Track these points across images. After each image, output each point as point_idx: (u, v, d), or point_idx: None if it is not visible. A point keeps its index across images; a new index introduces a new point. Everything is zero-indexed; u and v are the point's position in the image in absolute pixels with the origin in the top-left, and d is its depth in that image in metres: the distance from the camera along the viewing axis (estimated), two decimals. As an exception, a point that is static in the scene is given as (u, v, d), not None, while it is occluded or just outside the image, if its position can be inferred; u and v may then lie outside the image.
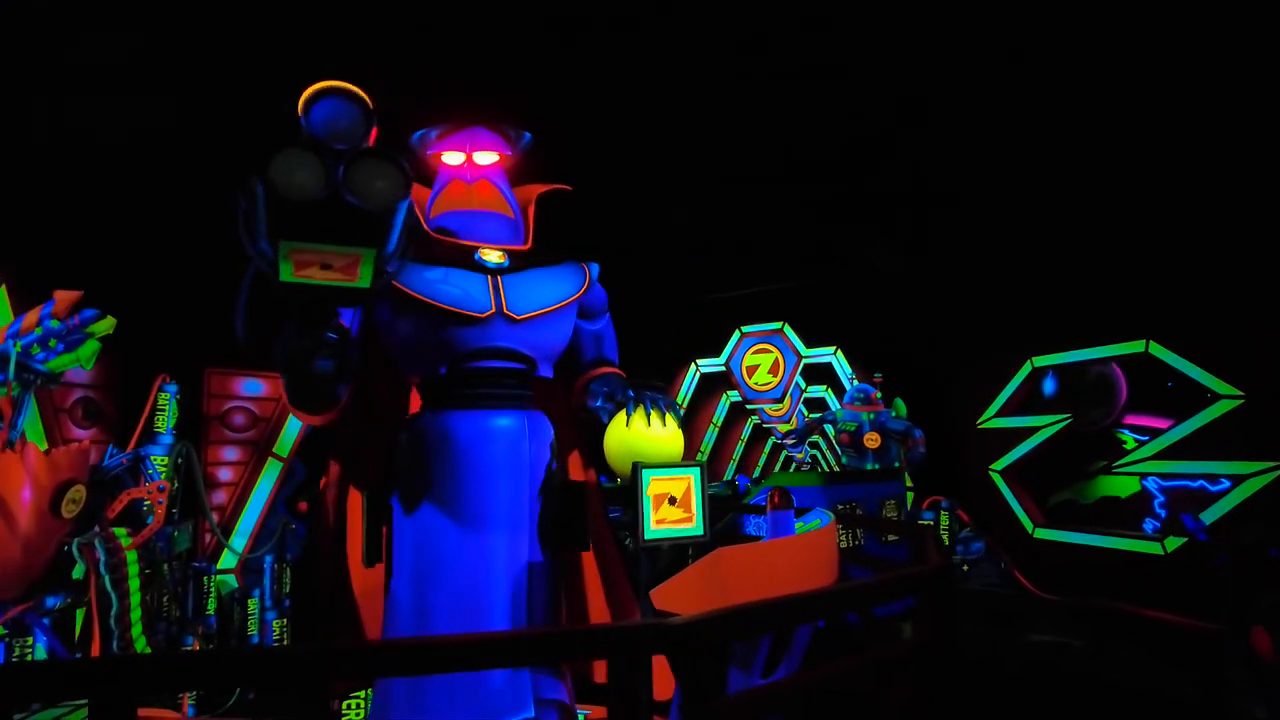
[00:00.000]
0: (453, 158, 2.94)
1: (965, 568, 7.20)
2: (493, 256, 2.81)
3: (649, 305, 12.26)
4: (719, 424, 12.28)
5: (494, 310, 2.69)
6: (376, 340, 2.74)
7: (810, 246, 10.51)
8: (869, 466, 9.25)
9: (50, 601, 4.68)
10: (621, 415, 2.72)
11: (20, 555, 4.21)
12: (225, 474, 8.04)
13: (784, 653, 2.62)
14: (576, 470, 3.19)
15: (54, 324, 4.87)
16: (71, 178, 5.87)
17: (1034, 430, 8.05)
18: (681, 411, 2.85)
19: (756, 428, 11.95)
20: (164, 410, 6.50)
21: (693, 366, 12.51)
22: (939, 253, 9.26)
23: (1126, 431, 7.76)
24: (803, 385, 11.34)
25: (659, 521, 2.54)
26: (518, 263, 2.87)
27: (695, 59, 7.99)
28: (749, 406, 11.90)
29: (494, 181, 2.98)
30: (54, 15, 5.23)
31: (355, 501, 2.81)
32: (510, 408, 2.76)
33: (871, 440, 9.20)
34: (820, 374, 11.19)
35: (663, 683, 2.51)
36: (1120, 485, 7.60)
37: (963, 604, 6.97)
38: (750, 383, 11.77)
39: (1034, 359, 8.31)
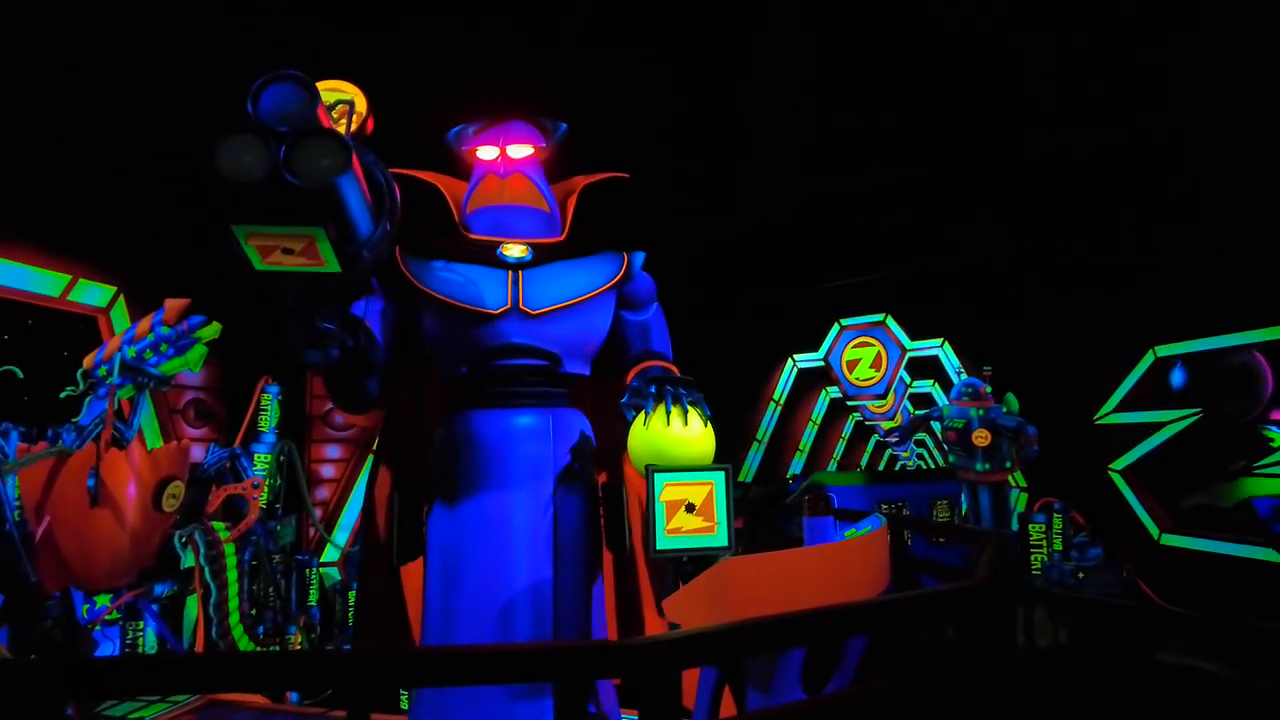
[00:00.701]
0: (487, 152, 2.91)
1: (1080, 575, 6.62)
2: (514, 251, 2.76)
3: (743, 298, 12.04)
4: (818, 422, 11.89)
5: (509, 306, 2.64)
6: (420, 341, 2.75)
7: (914, 232, 10.00)
8: (978, 467, 8.70)
9: (159, 589, 4.99)
10: (656, 416, 2.54)
11: (128, 545, 4.49)
12: (328, 471, 8.45)
13: (835, 666, 2.43)
14: (631, 471, 3.08)
15: (164, 330, 5.16)
16: (178, 191, 6.26)
17: (1159, 426, 7.33)
18: (709, 409, 2.58)
19: (858, 426, 11.49)
20: (266, 410, 6.85)
21: (790, 362, 12.18)
22: (1051, 235, 8.58)
23: (1274, 428, 6.94)
24: (907, 380, 10.81)
25: (674, 530, 2.34)
26: (545, 256, 2.80)
27: (783, 35, 7.73)
28: (850, 403, 11.46)
29: (528, 175, 2.92)
30: (178, 33, 5.55)
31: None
32: (533, 406, 2.70)
33: (981, 438, 8.65)
34: (926, 368, 10.63)
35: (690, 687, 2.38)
36: (1265, 487, 6.81)
37: (1077, 616, 6.42)
38: (851, 378, 11.33)
39: (1157, 348, 7.60)
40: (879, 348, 11.07)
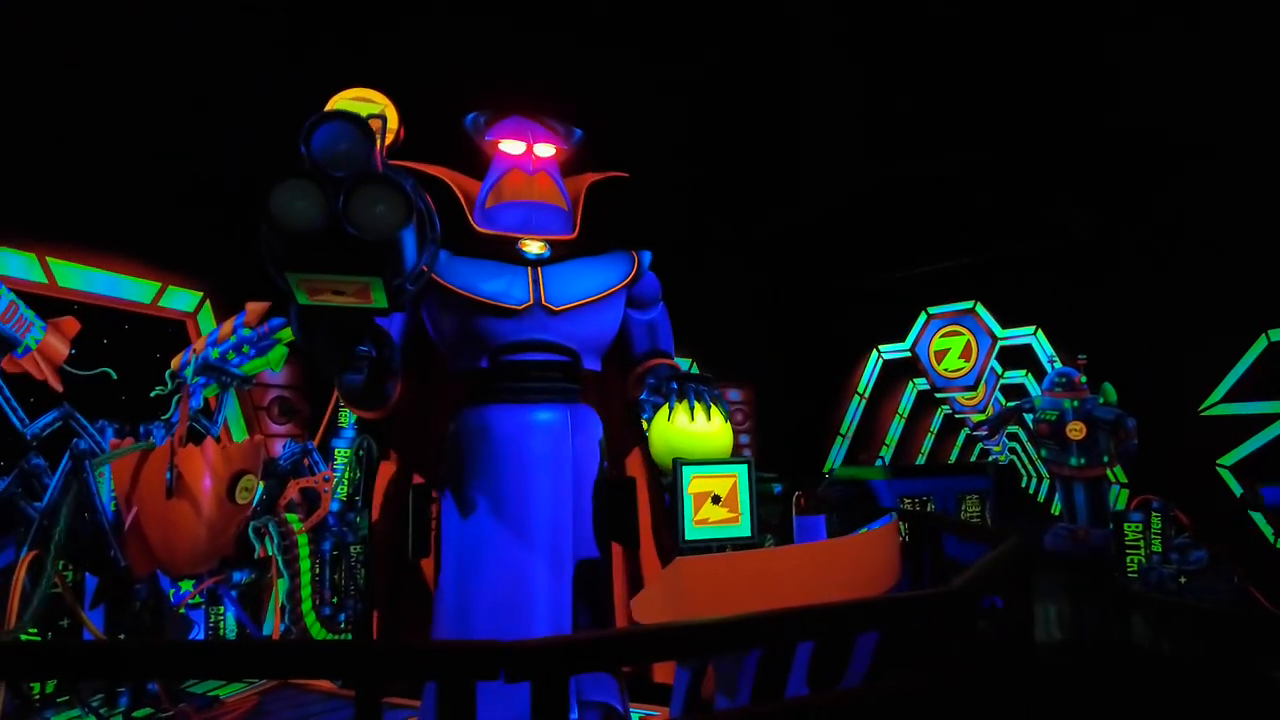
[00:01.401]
0: (512, 146, 2.93)
1: (1183, 580, 6.12)
2: (533, 247, 2.77)
3: (824, 287, 11.74)
4: (905, 415, 11.46)
5: (532, 302, 2.66)
6: (427, 335, 2.79)
7: (1002, 214, 9.48)
8: (1073, 462, 8.19)
9: (237, 576, 5.30)
10: (665, 410, 2.59)
11: (205, 535, 4.79)
12: (409, 465, 8.75)
13: (845, 664, 2.33)
14: (636, 466, 3.07)
15: (246, 332, 5.46)
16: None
17: (1274, 418, 6.66)
18: (728, 405, 2.66)
19: (948, 419, 11.00)
20: (346, 407, 7.17)
21: (875, 353, 11.79)
22: (1151, 214, 7.95)
23: None
24: (999, 371, 10.27)
25: (701, 521, 2.40)
26: (561, 253, 2.82)
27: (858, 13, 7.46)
28: (938, 396, 10.99)
29: (551, 174, 2.95)
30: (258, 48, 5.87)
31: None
32: (552, 401, 2.71)
33: (1075, 431, 8.14)
34: (1018, 357, 10.07)
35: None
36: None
37: (1179, 623, 5.95)
38: (939, 369, 10.87)
39: (1269, 332, 6.91)
40: (968, 336, 10.56)
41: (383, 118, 2.03)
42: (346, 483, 6.52)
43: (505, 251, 2.77)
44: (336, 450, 6.83)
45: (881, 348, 11.70)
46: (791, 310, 11.95)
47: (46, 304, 5.03)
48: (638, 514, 2.70)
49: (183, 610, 4.97)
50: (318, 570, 5.63)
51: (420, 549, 2.70)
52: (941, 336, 10.85)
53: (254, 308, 5.41)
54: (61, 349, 4.79)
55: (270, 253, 1.56)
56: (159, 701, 4.33)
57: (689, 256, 10.74)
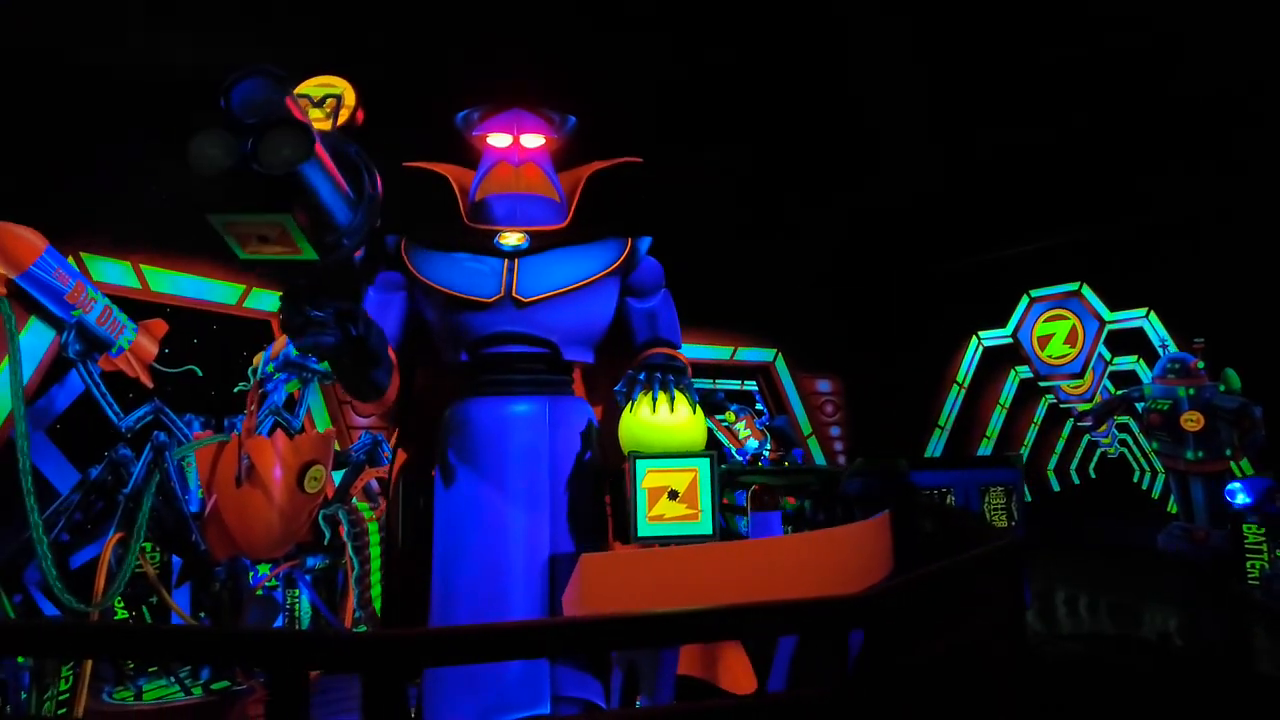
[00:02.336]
0: (499, 140, 2.93)
1: (1309, 589, 5.51)
2: (511, 239, 2.75)
3: (919, 272, 11.22)
4: (1007, 405, 10.82)
5: (502, 294, 2.64)
6: (427, 330, 2.83)
7: (1111, 186, 8.77)
8: (1189, 455, 7.52)
9: (311, 561, 5.59)
10: (641, 402, 2.47)
11: (278, 522, 5.07)
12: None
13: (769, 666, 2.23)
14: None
15: (325, 330, 5.69)
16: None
17: None
18: (697, 395, 2.50)
19: (1052, 409, 10.31)
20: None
21: (974, 340, 11.18)
22: (1278, 183, 7.14)
23: None
24: (1107, 357, 9.53)
25: (656, 518, 2.31)
26: (545, 243, 2.79)
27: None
28: (1042, 384, 10.31)
29: (540, 165, 2.92)
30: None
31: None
32: (529, 394, 2.68)
33: (1191, 421, 7.47)
34: (1129, 342, 9.30)
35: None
36: None
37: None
38: (1043, 356, 10.19)
39: None
40: (1074, 321, 9.85)
41: (339, 97, 2.09)
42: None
43: (484, 244, 2.77)
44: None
45: (981, 334, 11.08)
46: (884, 297, 11.49)
47: (140, 307, 5.44)
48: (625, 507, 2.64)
49: (260, 592, 5.28)
50: (388, 557, 5.86)
51: (411, 539, 2.74)
52: (1045, 321, 10.17)
53: (333, 307, 5.67)
54: (151, 348, 5.17)
55: (198, 202, 1.65)
56: (235, 675, 4.63)
57: (770, 243, 10.52)
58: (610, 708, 2.53)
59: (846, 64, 7.60)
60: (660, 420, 2.41)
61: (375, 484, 6.20)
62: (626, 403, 2.50)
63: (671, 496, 2.33)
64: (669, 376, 2.49)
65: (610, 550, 2.70)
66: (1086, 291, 9.75)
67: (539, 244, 2.78)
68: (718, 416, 16.62)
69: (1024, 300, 10.43)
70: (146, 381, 5.18)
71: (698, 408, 2.50)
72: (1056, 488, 10.11)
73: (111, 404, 4.87)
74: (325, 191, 1.78)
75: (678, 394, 2.46)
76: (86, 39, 5.55)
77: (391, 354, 2.62)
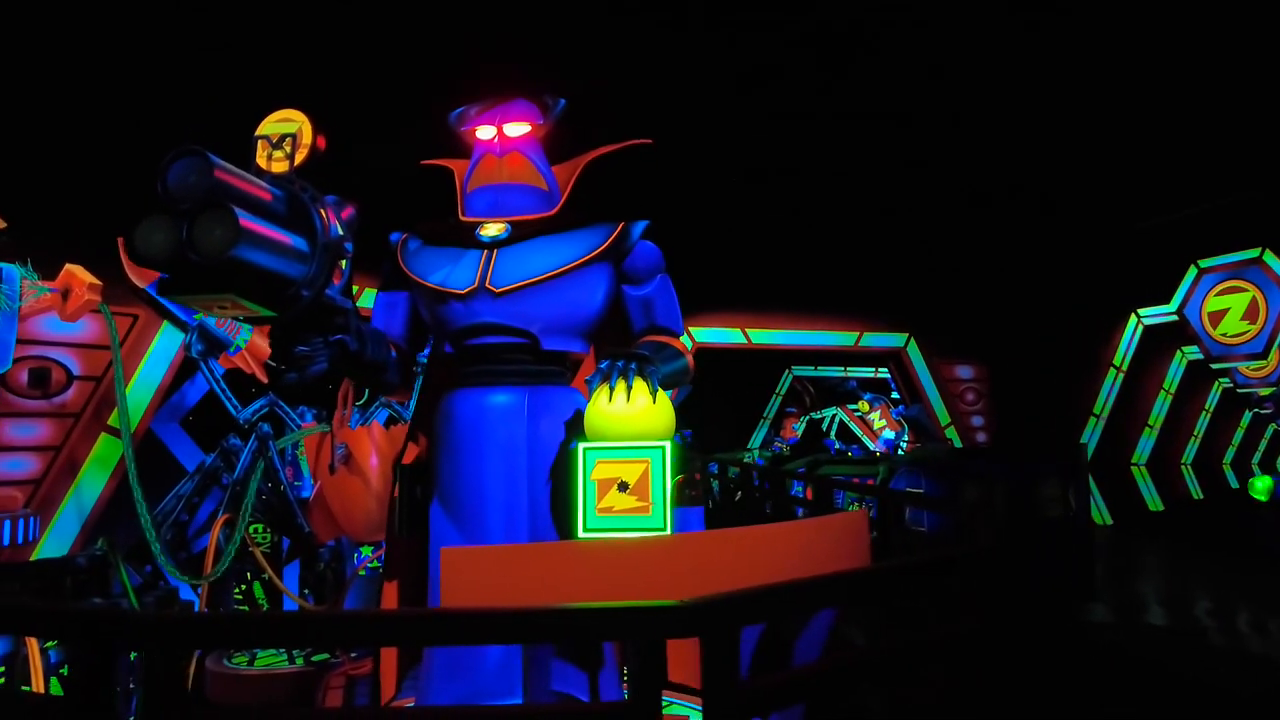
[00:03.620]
0: (485, 132, 2.94)
1: None
2: (490, 230, 2.75)
3: (1066, 240, 10.19)
4: (1172, 391, 9.65)
5: (477, 285, 2.64)
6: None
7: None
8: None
9: (410, 545, 5.90)
10: (599, 392, 2.38)
11: (375, 506, 5.39)
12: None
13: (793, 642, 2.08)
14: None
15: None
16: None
17: None
18: (657, 384, 2.37)
19: (1227, 394, 9.08)
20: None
21: (1132, 319, 10.04)
22: None
23: None
24: (1295, 333, 8.26)
25: (605, 510, 2.20)
26: (527, 232, 2.76)
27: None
28: (1215, 366, 9.09)
29: (525, 153, 2.88)
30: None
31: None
32: (509, 384, 2.68)
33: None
34: (1324, 315, 8.02)
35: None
36: None
37: None
38: (1216, 334, 8.98)
39: None
40: (1253, 292, 8.61)
41: (295, 136, 2.18)
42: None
43: (468, 237, 2.79)
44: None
45: (1141, 312, 9.94)
46: (1031, 273, 10.55)
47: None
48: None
49: (363, 572, 5.66)
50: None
51: (406, 526, 2.82)
52: (1217, 294, 8.96)
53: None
54: (265, 347, 5.67)
55: (159, 286, 1.81)
56: (333, 649, 5.00)
57: (900, 221, 9.95)
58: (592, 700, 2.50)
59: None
60: (616, 410, 2.31)
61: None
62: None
63: (622, 489, 2.22)
64: (630, 365, 2.39)
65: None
66: (1269, 259, 8.49)
67: (520, 233, 2.77)
68: (850, 407, 16.09)
69: (1191, 272, 9.24)
70: (262, 377, 5.68)
71: (659, 397, 2.38)
72: (1235, 484, 8.89)
73: (230, 398, 5.38)
74: (267, 261, 1.83)
75: (637, 382, 2.34)
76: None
77: (399, 350, 2.70)
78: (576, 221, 2.83)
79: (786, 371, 16.07)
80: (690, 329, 9.56)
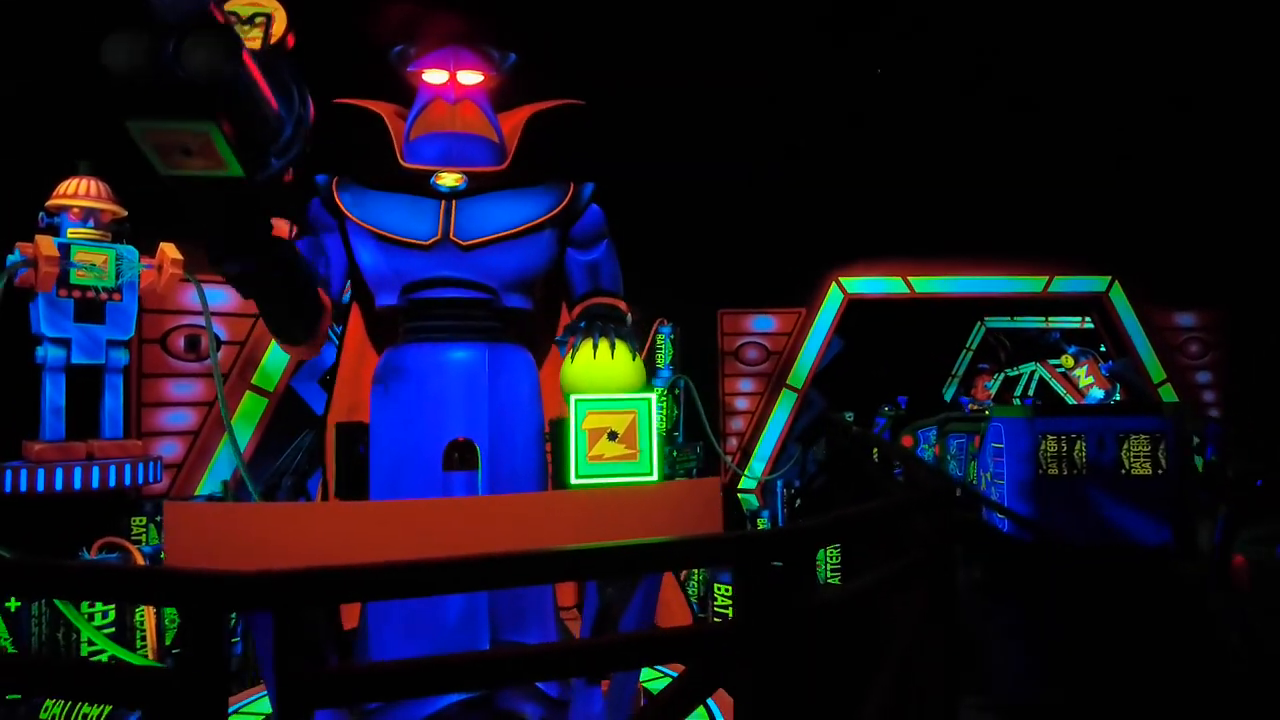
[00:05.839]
0: (435, 76, 2.80)
1: None
2: (448, 180, 2.65)
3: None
4: None
5: (440, 237, 2.57)
6: (358, 275, 2.74)
7: None
8: None
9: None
10: (582, 350, 2.50)
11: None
12: (742, 403, 8.90)
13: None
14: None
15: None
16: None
17: None
18: (636, 344, 2.53)
19: None
20: (661, 349, 7.62)
21: None
22: None
23: None
24: None
25: (595, 457, 2.33)
26: (482, 185, 2.67)
27: None
28: None
29: (478, 103, 2.80)
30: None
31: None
32: (469, 340, 2.58)
33: None
34: None
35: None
36: None
37: None
38: None
39: None
40: None
41: (268, 16, 2.08)
42: (663, 419, 6.93)
43: (419, 185, 2.67)
44: (655, 390, 7.30)
45: None
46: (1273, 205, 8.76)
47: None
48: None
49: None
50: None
51: (345, 487, 2.71)
52: None
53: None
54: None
55: (117, 107, 1.57)
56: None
57: (1097, 137, 8.61)
58: (559, 695, 2.49)
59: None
60: (600, 366, 2.44)
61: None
62: (569, 352, 2.50)
63: (611, 438, 2.35)
64: (610, 325, 2.52)
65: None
66: None
67: (476, 186, 2.69)
68: (1052, 362, 14.34)
69: None
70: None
71: (637, 356, 2.51)
72: None
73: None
74: (252, 103, 1.70)
75: (618, 342, 2.47)
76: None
77: (322, 295, 2.54)
78: (529, 179, 2.76)
79: (979, 323, 14.64)
80: (841, 279, 8.91)
